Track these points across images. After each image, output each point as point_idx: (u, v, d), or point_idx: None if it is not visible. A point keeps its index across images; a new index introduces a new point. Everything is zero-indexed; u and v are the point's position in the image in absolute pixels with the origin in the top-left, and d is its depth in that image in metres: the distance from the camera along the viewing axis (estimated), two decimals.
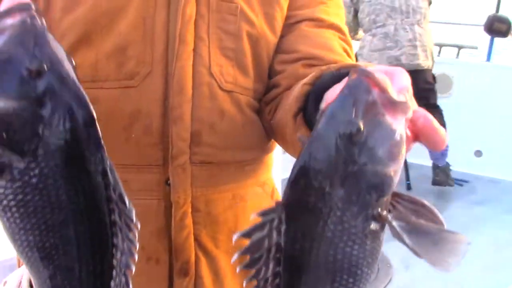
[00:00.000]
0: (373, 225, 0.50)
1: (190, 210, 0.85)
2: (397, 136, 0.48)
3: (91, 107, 0.50)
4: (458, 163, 4.35)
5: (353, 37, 4.00)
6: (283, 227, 0.50)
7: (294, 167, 0.50)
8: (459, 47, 5.67)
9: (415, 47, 3.84)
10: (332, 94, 0.61)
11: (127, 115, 0.80)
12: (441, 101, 4.15)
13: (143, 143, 0.81)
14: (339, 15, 0.92)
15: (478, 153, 4.74)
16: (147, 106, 0.81)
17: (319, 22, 0.88)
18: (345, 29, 0.91)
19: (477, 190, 4.40)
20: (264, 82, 0.89)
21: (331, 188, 0.48)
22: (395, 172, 0.50)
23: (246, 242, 0.50)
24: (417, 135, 0.51)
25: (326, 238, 0.49)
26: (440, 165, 3.98)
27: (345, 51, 0.88)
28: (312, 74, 0.70)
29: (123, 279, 0.52)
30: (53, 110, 0.47)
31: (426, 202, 0.52)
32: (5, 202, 0.48)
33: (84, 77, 0.77)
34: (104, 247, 0.52)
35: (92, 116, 0.50)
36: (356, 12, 4.06)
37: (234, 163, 0.88)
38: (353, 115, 0.47)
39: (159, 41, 0.80)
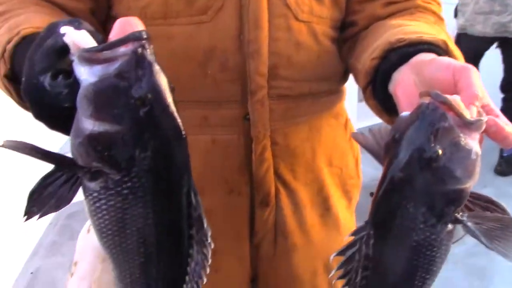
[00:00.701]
0: (450, 227, 0.56)
1: (269, 143, 0.87)
2: (473, 155, 0.53)
3: (184, 134, 0.54)
4: None
5: None
6: (371, 241, 0.57)
7: (378, 189, 0.55)
8: None
9: None
10: (399, 76, 0.65)
11: (202, 52, 0.80)
12: None
13: (220, 79, 0.82)
14: None
15: None
16: (222, 42, 0.80)
17: None
18: None
19: None
20: (341, 8, 0.87)
21: (414, 207, 0.54)
22: (471, 186, 0.55)
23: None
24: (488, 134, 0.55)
25: (410, 246, 0.55)
26: (505, 154, 3.66)
27: None
28: (381, 46, 0.70)
29: (195, 287, 0.58)
30: (151, 136, 0.51)
31: (494, 199, 0.57)
32: (97, 204, 0.54)
33: (156, 14, 0.79)
34: (180, 254, 0.57)
35: (185, 143, 0.54)
36: None
37: (310, 95, 0.89)
38: (431, 143, 0.51)
39: None
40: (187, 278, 0.58)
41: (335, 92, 0.95)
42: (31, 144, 0.52)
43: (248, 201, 0.89)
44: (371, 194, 0.57)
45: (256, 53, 0.81)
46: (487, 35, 3.47)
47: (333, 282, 0.59)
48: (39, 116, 0.56)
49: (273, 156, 0.88)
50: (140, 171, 0.52)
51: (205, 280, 0.58)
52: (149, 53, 0.50)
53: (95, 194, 0.54)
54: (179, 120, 0.53)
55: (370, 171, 1.06)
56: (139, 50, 0.50)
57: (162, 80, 0.51)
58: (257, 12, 0.80)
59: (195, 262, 0.57)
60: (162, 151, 0.53)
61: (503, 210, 0.57)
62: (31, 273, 2.67)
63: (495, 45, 3.64)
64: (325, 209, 0.96)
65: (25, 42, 0.63)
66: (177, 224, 0.56)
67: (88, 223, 0.92)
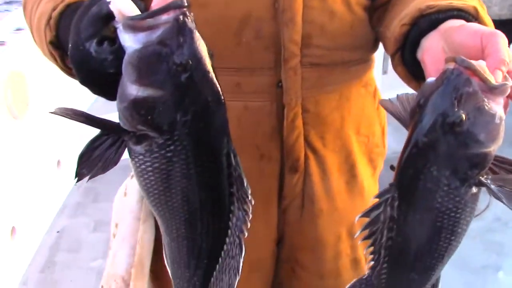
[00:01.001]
0: (474, 189, 0.57)
1: (300, 111, 0.88)
2: (497, 119, 0.54)
3: (223, 99, 0.56)
4: None
5: None
6: (396, 203, 0.58)
7: (402, 152, 0.57)
8: None
9: None
10: (428, 42, 0.65)
11: (237, 20, 0.81)
12: None
13: (254, 47, 0.83)
14: None
15: None
16: (257, 10, 0.81)
17: None
18: None
19: None
20: None
21: (438, 171, 0.55)
22: (495, 149, 0.56)
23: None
24: None
25: (434, 208, 0.57)
26: None
27: None
28: (411, 13, 0.70)
29: (237, 240, 0.61)
30: (191, 101, 0.54)
31: None
32: (143, 166, 0.57)
33: None
34: (222, 210, 0.61)
35: (224, 108, 0.56)
36: None
37: (342, 64, 0.90)
38: (455, 107, 0.52)
39: None
40: (229, 232, 0.61)
41: (365, 61, 0.96)
42: (81, 111, 0.55)
43: (278, 167, 0.91)
44: (392, 167, 0.59)
45: (290, 21, 0.81)
46: (503, 17, 3.35)
47: (359, 243, 0.61)
48: (84, 81, 0.58)
49: (303, 123, 0.89)
50: (182, 134, 0.55)
51: (246, 234, 0.61)
52: (189, 21, 0.52)
53: (141, 157, 0.57)
54: (218, 86, 0.55)
55: (392, 144, 1.08)
56: (180, 17, 0.52)
57: (202, 47, 0.53)
58: None
59: (236, 217, 0.61)
60: (202, 115, 0.55)
61: None
62: (58, 231, 2.77)
63: None
64: (351, 176, 0.98)
65: (70, 10, 0.65)
66: (218, 183, 0.59)
67: (124, 186, 0.96)
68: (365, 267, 0.64)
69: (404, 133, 0.58)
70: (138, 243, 0.89)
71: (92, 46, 0.54)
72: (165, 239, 0.64)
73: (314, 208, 0.95)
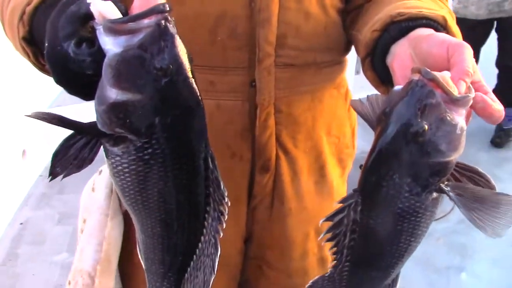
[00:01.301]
0: (434, 195, 0.59)
1: (273, 111, 0.89)
2: (459, 130, 0.55)
3: (202, 104, 0.57)
4: None
5: None
6: (359, 208, 0.61)
7: (367, 160, 0.59)
8: None
9: None
10: (397, 49, 0.67)
11: (212, 17, 0.81)
12: None
13: (229, 45, 0.83)
14: None
15: None
16: (233, 8, 0.81)
17: None
18: None
19: None
20: None
21: (400, 178, 0.57)
22: (456, 158, 0.57)
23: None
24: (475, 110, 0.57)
25: (395, 213, 0.59)
26: (505, 127, 3.64)
27: None
28: (382, 19, 0.72)
29: (213, 240, 0.62)
30: (171, 105, 0.54)
31: (480, 170, 0.61)
32: (119, 167, 0.57)
33: None
34: (198, 211, 0.62)
35: (203, 113, 0.57)
36: None
37: (315, 65, 0.91)
38: (418, 118, 0.54)
39: None
40: (204, 231, 0.62)
41: (338, 63, 0.97)
42: (57, 115, 0.55)
43: (249, 166, 0.92)
44: (361, 166, 0.60)
45: (266, 21, 0.82)
46: (480, 17, 3.38)
47: (322, 244, 0.63)
48: (59, 81, 0.58)
49: (275, 124, 0.90)
50: (160, 138, 0.55)
51: (221, 234, 0.63)
52: (171, 26, 0.52)
53: (118, 158, 0.57)
54: (197, 91, 0.56)
55: (361, 143, 1.09)
56: (162, 22, 0.52)
57: (183, 52, 0.54)
58: None
59: (212, 217, 0.62)
60: (181, 120, 0.56)
61: (487, 181, 0.60)
62: (21, 223, 2.72)
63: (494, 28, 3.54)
64: (321, 176, 0.99)
65: (45, 6, 0.64)
66: (195, 185, 0.60)
67: (91, 181, 0.96)
68: (329, 266, 0.67)
69: (373, 134, 0.60)
70: (105, 239, 0.89)
71: (70, 47, 0.54)
72: (139, 236, 0.65)
73: (283, 208, 0.96)
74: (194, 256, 0.64)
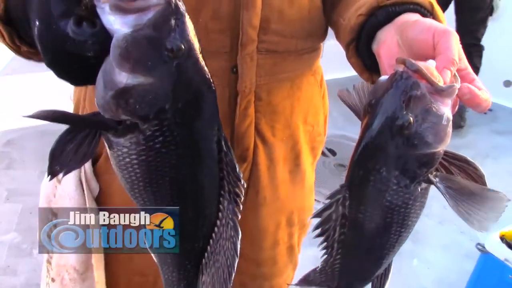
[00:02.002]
0: (423, 185, 0.58)
1: (253, 99, 0.86)
2: (444, 121, 0.55)
3: (214, 87, 0.53)
4: None
5: None
6: (347, 202, 0.60)
7: (353, 154, 0.57)
8: None
9: None
10: (383, 35, 0.66)
11: None
12: None
13: (211, 28, 0.79)
14: None
15: (507, 83, 4.50)
16: None
17: None
18: None
19: (499, 119, 4.25)
20: None
21: (387, 171, 0.56)
22: (443, 148, 0.57)
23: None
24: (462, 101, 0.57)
25: (384, 206, 0.59)
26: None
27: None
28: (368, 2, 0.70)
29: (231, 223, 0.60)
30: (183, 88, 0.50)
31: (469, 159, 0.61)
32: (127, 159, 0.53)
33: None
34: (213, 195, 0.59)
35: (214, 96, 0.53)
36: None
37: (295, 52, 0.88)
38: (403, 110, 0.53)
39: None
40: (220, 214, 0.60)
41: (315, 49, 0.95)
42: (61, 111, 0.50)
43: None
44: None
45: (251, 4, 0.78)
46: None
47: (313, 238, 0.62)
48: (52, 63, 0.51)
49: (255, 112, 0.87)
50: (172, 124, 0.51)
51: (239, 216, 0.60)
52: (181, 3, 0.48)
53: (125, 150, 0.53)
54: (208, 72, 0.52)
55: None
56: (173, 2, 0.47)
57: (193, 32, 0.49)
58: None
59: (227, 200, 0.59)
60: (193, 103, 0.52)
61: (475, 169, 0.60)
62: None
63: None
64: (295, 165, 0.98)
65: None
66: (208, 169, 0.57)
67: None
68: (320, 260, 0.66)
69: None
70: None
71: (69, 26, 0.47)
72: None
73: (258, 197, 0.94)
74: (211, 241, 0.61)
